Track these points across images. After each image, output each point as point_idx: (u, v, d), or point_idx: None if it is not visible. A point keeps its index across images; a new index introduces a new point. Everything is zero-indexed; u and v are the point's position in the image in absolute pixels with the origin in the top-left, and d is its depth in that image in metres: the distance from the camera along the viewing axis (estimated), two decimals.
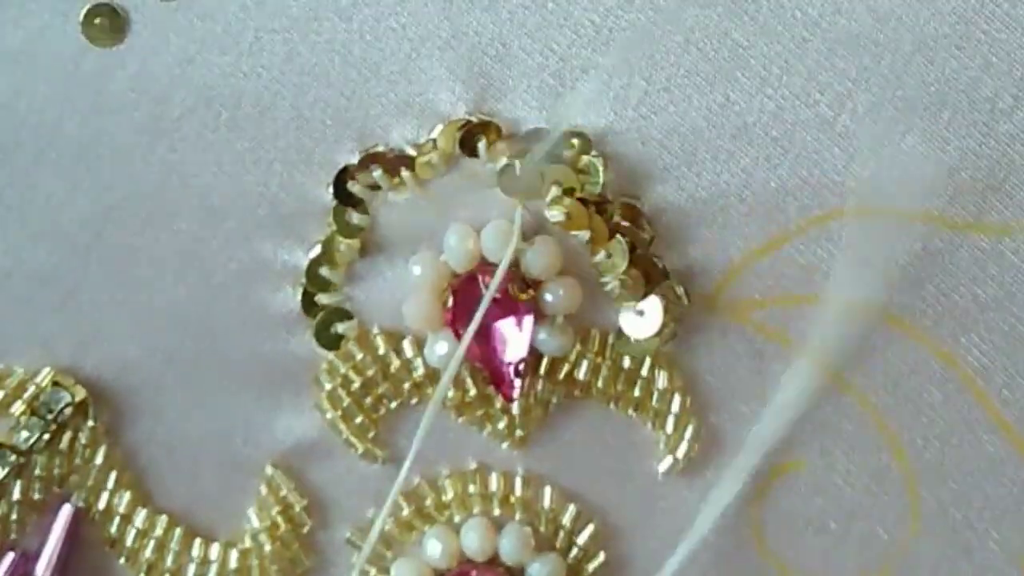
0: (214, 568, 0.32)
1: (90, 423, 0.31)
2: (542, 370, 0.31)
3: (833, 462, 0.32)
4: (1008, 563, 0.32)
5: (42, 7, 0.29)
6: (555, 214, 0.29)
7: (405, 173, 0.30)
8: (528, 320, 0.30)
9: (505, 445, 0.32)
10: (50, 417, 0.31)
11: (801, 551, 0.32)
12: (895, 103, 0.29)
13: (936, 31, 0.28)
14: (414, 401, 0.32)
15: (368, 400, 0.32)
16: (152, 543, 0.32)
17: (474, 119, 0.29)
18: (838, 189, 0.30)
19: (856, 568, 0.32)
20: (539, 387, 0.31)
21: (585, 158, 0.29)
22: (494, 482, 0.32)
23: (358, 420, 0.31)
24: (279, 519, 0.32)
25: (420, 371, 0.31)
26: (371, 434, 0.32)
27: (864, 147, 0.29)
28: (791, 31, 0.29)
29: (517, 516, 0.32)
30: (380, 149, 0.30)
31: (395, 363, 0.31)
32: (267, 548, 0.32)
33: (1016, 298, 0.30)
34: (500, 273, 0.29)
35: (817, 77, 0.29)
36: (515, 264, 0.30)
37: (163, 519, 0.32)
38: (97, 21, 0.29)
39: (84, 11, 0.29)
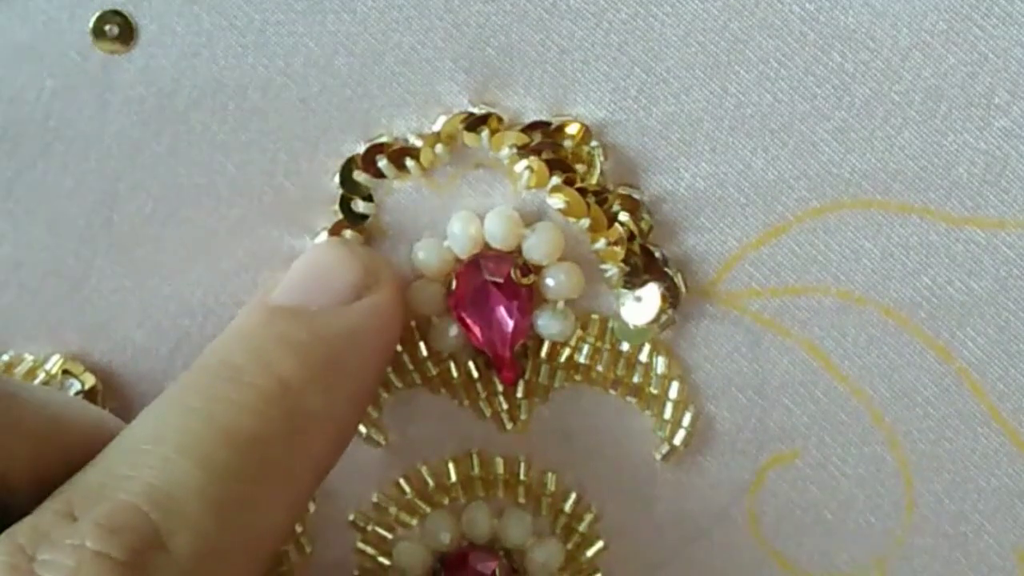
0: None
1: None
2: (543, 354, 0.31)
3: (829, 453, 0.32)
4: (1003, 555, 0.32)
5: (49, 2, 0.30)
6: (555, 202, 0.30)
7: (410, 162, 0.30)
8: (529, 305, 0.30)
9: (507, 428, 0.32)
10: None
11: (797, 541, 0.33)
12: (892, 97, 0.29)
13: (933, 26, 0.28)
14: (417, 385, 0.32)
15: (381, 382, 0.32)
16: None
17: (477, 109, 0.30)
18: (835, 181, 0.30)
19: (851, 559, 0.33)
20: (540, 371, 0.31)
21: (585, 148, 0.30)
22: (498, 466, 0.32)
23: None
24: None
25: (423, 355, 0.31)
26: (374, 418, 0.32)
27: (861, 140, 0.29)
28: (789, 25, 0.29)
29: (521, 500, 0.33)
30: (385, 139, 0.30)
31: (398, 347, 0.31)
32: None
33: (1011, 292, 0.30)
34: None
35: (815, 71, 0.29)
36: (517, 250, 0.30)
37: None
38: (107, 28, 0.29)
39: (94, 18, 0.29)
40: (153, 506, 0.22)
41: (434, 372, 0.32)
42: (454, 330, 0.31)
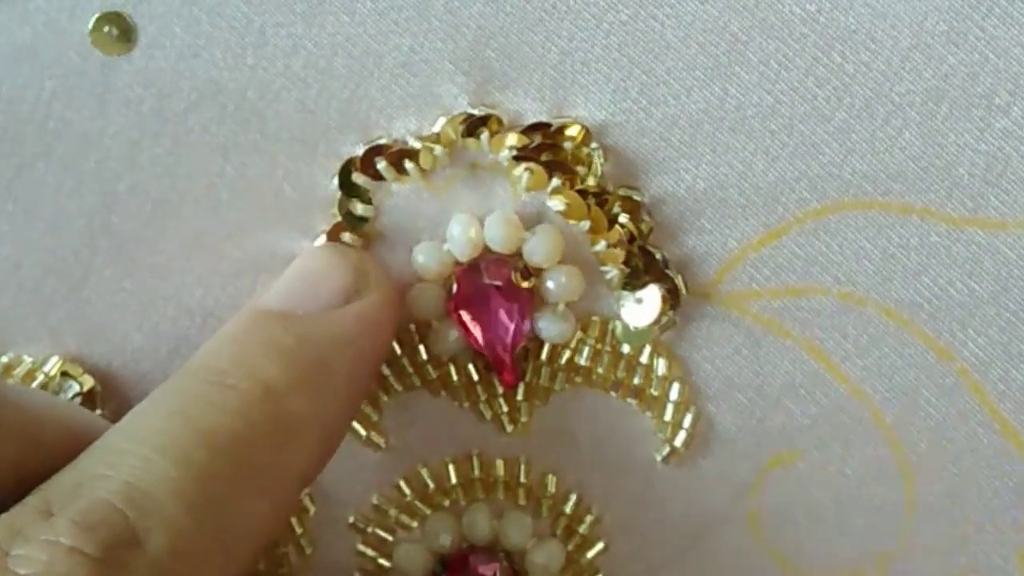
0: None
1: (98, 412, 0.31)
2: (543, 356, 0.31)
3: (830, 454, 0.32)
4: (1004, 556, 0.32)
5: (49, 3, 0.30)
6: (555, 204, 0.30)
7: (409, 165, 0.30)
8: (529, 307, 0.30)
9: (508, 430, 0.32)
10: None
11: (798, 542, 0.33)
12: (893, 98, 0.29)
13: (933, 27, 0.28)
14: (417, 387, 0.32)
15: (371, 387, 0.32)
16: None
17: (476, 111, 0.29)
18: (836, 182, 0.30)
19: (852, 560, 0.33)
20: (541, 373, 0.31)
21: (585, 149, 0.30)
22: (498, 468, 0.32)
23: (361, 406, 0.32)
24: None
25: (423, 358, 0.31)
26: (374, 421, 0.32)
27: (862, 141, 0.29)
28: (789, 26, 0.29)
29: (521, 502, 0.33)
30: (384, 141, 0.30)
31: (398, 350, 0.31)
32: None
33: (1011, 293, 0.30)
34: None
35: (815, 72, 0.29)
36: (517, 252, 0.30)
37: None
38: (106, 29, 0.29)
39: (93, 19, 0.29)
40: (129, 504, 0.23)
41: (434, 375, 0.32)
42: (454, 333, 0.31)
